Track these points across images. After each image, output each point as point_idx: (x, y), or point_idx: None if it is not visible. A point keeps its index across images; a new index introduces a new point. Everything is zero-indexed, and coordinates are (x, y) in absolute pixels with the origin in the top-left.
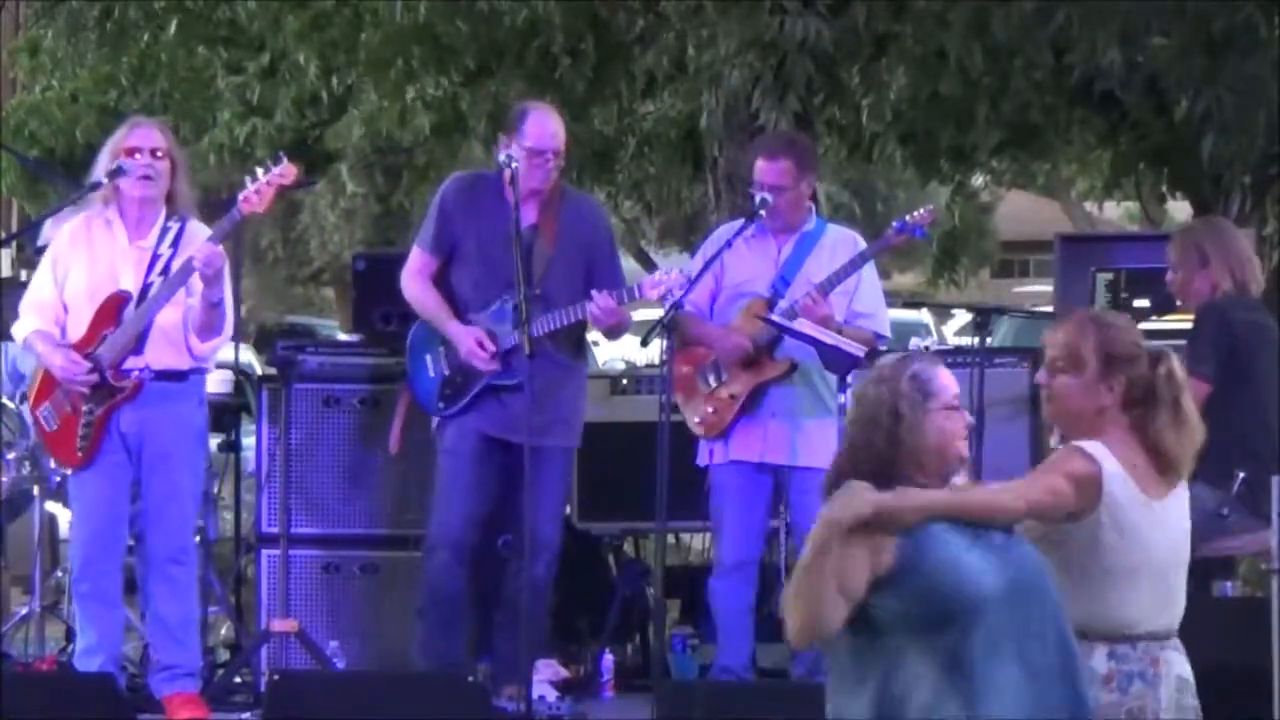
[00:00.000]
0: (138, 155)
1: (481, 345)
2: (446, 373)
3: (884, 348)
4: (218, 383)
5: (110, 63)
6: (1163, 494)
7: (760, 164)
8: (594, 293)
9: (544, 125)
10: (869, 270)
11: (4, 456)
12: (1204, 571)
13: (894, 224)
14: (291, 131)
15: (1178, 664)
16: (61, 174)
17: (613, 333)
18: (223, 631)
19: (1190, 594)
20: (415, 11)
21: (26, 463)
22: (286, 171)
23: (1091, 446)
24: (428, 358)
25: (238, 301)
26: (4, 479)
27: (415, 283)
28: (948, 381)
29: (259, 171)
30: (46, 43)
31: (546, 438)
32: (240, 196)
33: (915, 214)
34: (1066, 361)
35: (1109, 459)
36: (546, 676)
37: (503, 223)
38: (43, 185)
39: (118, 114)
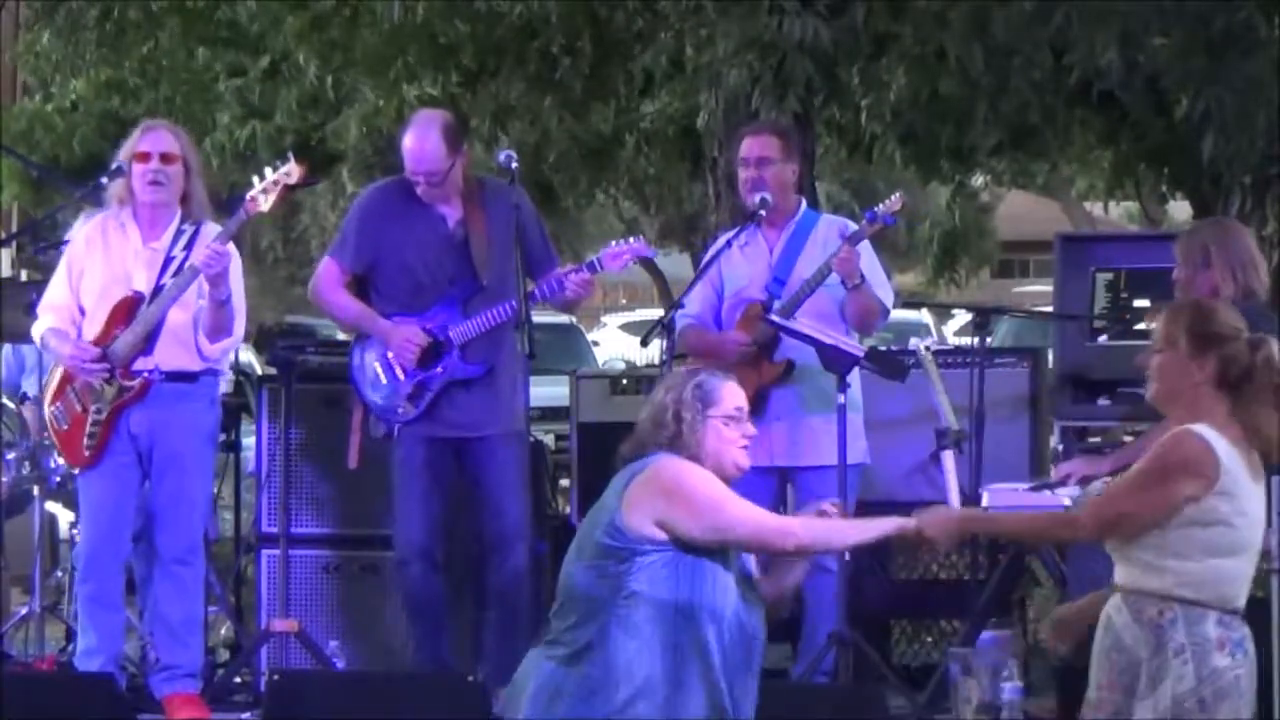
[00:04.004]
0: (147, 161)
1: (411, 340)
2: (401, 378)
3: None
4: None
5: (112, 67)
6: (1259, 477)
7: (745, 141)
8: (567, 275)
9: (414, 148)
10: (865, 248)
11: (4, 456)
12: None
13: (865, 215)
14: (292, 133)
15: (1250, 641)
16: (64, 178)
17: (572, 306)
18: (223, 631)
19: None
20: (414, 11)
21: (26, 463)
22: (293, 171)
23: (1200, 428)
24: (376, 366)
25: None
26: (4, 479)
27: (332, 292)
28: (731, 394)
29: (267, 171)
30: (43, 43)
31: (489, 428)
32: (247, 196)
33: (885, 203)
34: (1162, 342)
35: (1219, 439)
36: None
37: (433, 224)
38: (47, 192)
39: (119, 120)
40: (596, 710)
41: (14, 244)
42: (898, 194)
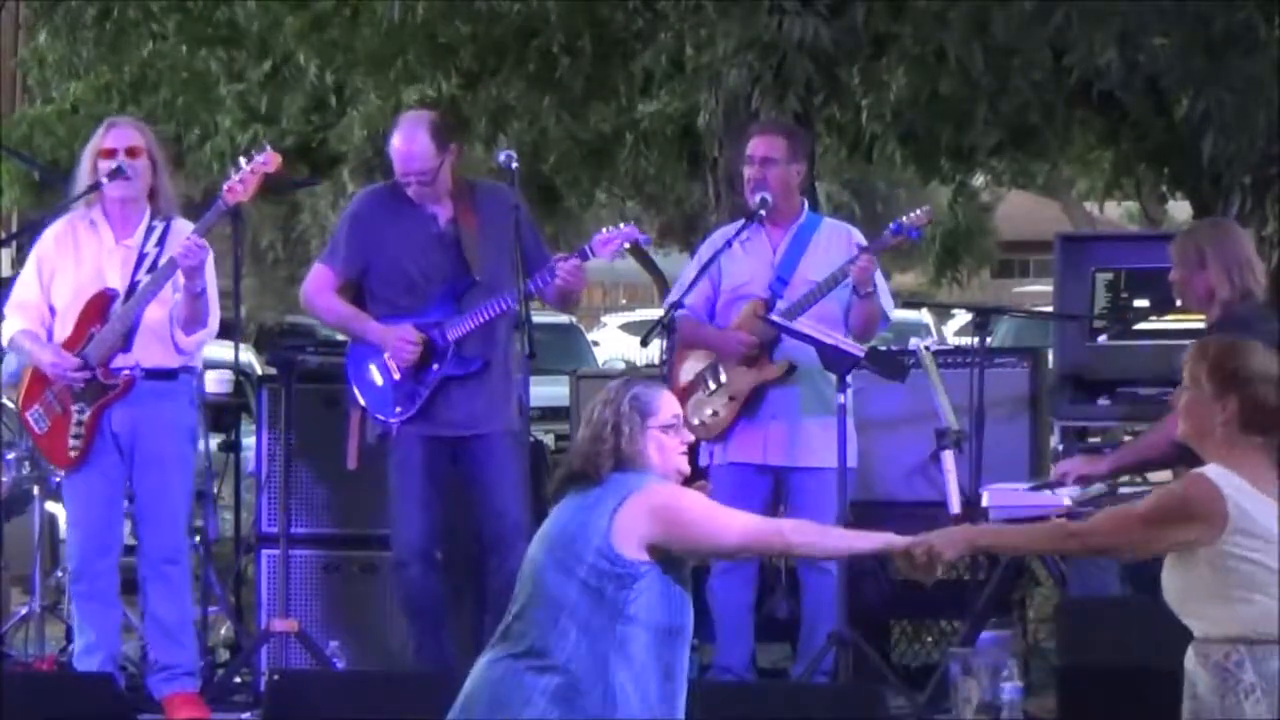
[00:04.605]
0: (112, 157)
1: (407, 341)
2: (397, 377)
3: (885, 330)
4: (218, 383)
5: (112, 70)
6: None
7: (752, 140)
8: (556, 262)
9: (402, 149)
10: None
11: (4, 456)
12: None
13: (890, 226)
14: (294, 136)
15: None
16: (65, 180)
17: (568, 301)
18: (223, 631)
19: None
20: (414, 11)
21: (26, 463)
22: (269, 159)
23: (1212, 471)
24: (373, 368)
25: (237, 301)
26: (4, 479)
27: (323, 297)
28: (667, 403)
29: (242, 161)
30: (41, 41)
31: (486, 426)
32: (225, 187)
33: (912, 215)
34: (1188, 380)
35: (1233, 479)
36: None
37: (423, 223)
38: (48, 196)
39: None
40: None
41: (14, 244)
42: (926, 207)
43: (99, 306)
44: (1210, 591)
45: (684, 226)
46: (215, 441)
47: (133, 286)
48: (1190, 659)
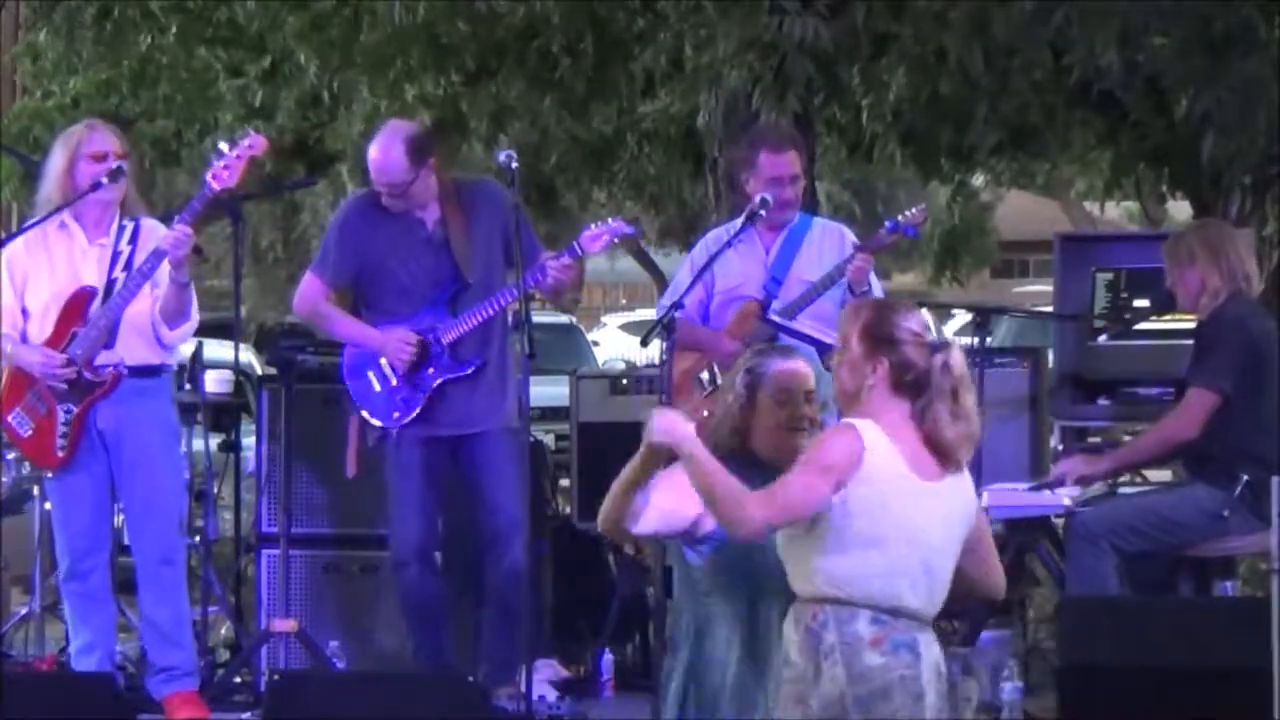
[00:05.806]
0: (105, 160)
1: (404, 342)
2: (394, 383)
3: None
4: (218, 383)
5: (112, 66)
6: (937, 477)
7: (766, 158)
8: (546, 261)
9: (377, 159)
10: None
11: (4, 456)
12: (1204, 571)
13: (886, 224)
14: (292, 133)
15: (936, 651)
16: None
17: (561, 296)
18: (223, 631)
19: (1190, 594)
20: (415, 11)
21: (26, 462)
22: (256, 143)
23: (860, 423)
24: (370, 374)
25: (238, 301)
26: (4, 479)
27: (317, 305)
28: (785, 375)
29: (224, 147)
30: (41, 41)
31: (483, 424)
32: (209, 174)
33: (908, 214)
34: (840, 342)
35: (876, 433)
36: (546, 676)
37: (411, 228)
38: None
39: (120, 119)
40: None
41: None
42: (922, 205)
43: (78, 305)
44: (816, 549)
45: (684, 227)
46: (215, 441)
47: (110, 285)
48: (788, 622)
